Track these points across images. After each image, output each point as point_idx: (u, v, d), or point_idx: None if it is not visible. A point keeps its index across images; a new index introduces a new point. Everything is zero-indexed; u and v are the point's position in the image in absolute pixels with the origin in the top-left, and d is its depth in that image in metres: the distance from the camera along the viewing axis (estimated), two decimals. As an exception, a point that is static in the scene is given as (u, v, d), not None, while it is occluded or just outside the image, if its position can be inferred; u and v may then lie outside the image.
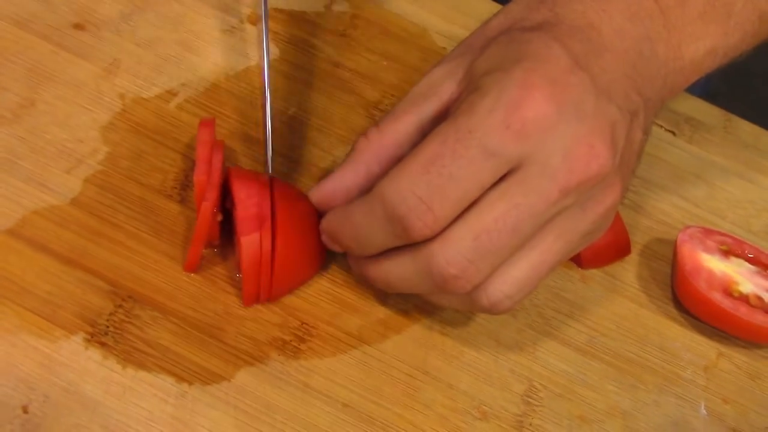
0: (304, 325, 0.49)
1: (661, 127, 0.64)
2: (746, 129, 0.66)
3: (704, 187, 0.61)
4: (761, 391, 0.53)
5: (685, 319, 0.55)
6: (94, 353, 0.45)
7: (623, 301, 0.55)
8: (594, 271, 0.55)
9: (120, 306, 0.47)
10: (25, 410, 0.43)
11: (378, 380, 0.48)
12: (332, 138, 0.56)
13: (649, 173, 0.60)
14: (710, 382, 0.53)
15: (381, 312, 0.50)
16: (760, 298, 0.53)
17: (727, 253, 0.55)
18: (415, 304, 0.51)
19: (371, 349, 0.49)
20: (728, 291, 0.53)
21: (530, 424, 0.48)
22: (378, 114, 0.58)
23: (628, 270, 0.56)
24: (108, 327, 0.46)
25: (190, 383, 0.45)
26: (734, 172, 0.63)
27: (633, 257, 0.57)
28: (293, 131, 0.56)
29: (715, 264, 0.54)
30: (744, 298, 0.53)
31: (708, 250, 0.54)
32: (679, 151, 0.62)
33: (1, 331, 0.45)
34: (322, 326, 0.49)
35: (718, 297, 0.52)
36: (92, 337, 0.46)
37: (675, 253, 0.54)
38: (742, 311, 0.52)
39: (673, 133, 0.64)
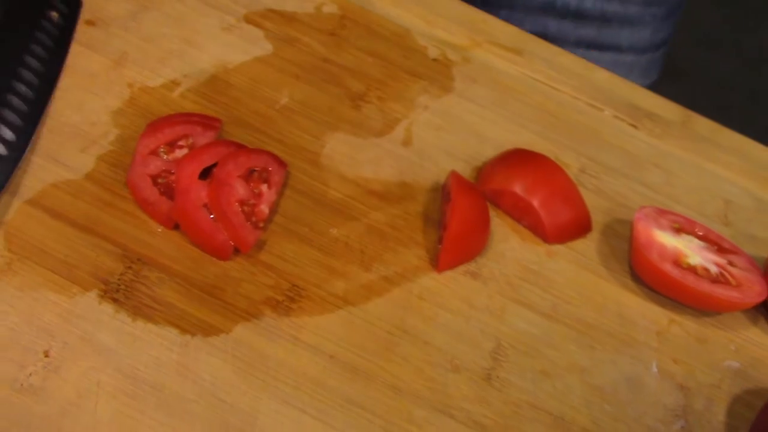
0: (294, 287, 0.56)
1: (624, 121, 0.71)
2: (703, 124, 0.74)
3: (662, 175, 0.68)
4: (708, 353, 0.60)
5: (641, 290, 0.62)
6: (107, 307, 0.52)
7: (585, 273, 0.62)
8: (559, 246, 0.63)
9: (130, 267, 0.54)
10: (46, 354, 0.50)
11: (361, 336, 0.55)
12: (321, 125, 0.64)
13: (610, 161, 0.68)
14: (662, 344, 0.60)
15: (364, 278, 0.57)
16: (706, 270, 0.61)
17: (678, 230, 0.62)
18: (396, 272, 0.58)
19: (355, 309, 0.56)
20: (678, 262, 0.60)
21: (497, 377, 0.55)
22: (363, 105, 0.65)
23: (589, 246, 0.63)
24: (119, 285, 0.53)
25: (193, 335, 0.52)
26: (690, 162, 0.70)
27: (594, 235, 0.64)
28: (285, 118, 0.63)
29: (667, 239, 0.61)
30: (692, 269, 0.60)
31: (661, 227, 0.62)
32: (640, 143, 0.70)
33: (24, 287, 0.52)
34: (311, 288, 0.56)
35: (668, 267, 0.60)
36: (105, 293, 0.52)
37: (632, 230, 0.62)
38: (690, 280, 0.59)
39: (635, 127, 0.72)
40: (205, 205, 0.55)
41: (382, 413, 0.52)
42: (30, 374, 0.49)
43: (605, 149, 0.68)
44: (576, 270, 0.62)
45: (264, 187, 0.58)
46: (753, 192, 0.69)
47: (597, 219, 0.64)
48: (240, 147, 0.58)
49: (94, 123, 0.59)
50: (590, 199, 0.64)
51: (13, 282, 0.51)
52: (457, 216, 0.58)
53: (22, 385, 0.48)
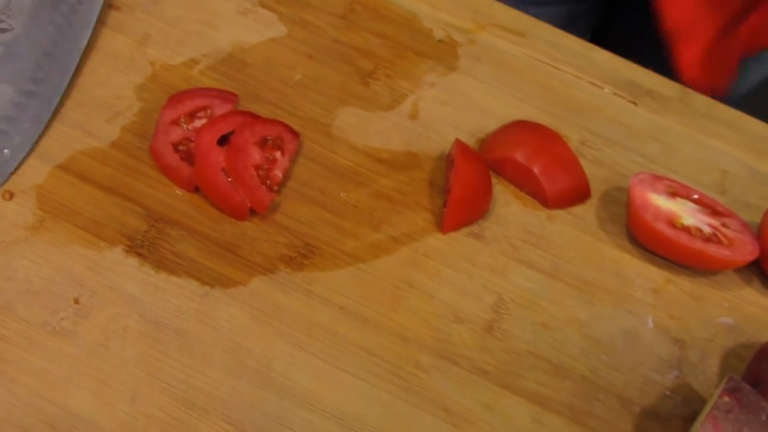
0: (307, 245, 0.60)
1: (623, 98, 0.76)
2: (701, 100, 0.78)
3: (660, 147, 0.72)
4: (702, 310, 0.64)
5: (638, 252, 0.66)
6: (133, 261, 0.57)
7: (584, 236, 0.66)
8: (559, 211, 0.67)
9: (153, 226, 0.59)
10: (76, 301, 0.55)
11: (369, 290, 0.59)
12: (332, 100, 0.69)
13: (610, 134, 0.72)
14: (658, 301, 0.64)
15: (373, 238, 0.62)
16: (700, 230, 0.65)
17: (673, 194, 0.67)
18: (402, 233, 0.62)
19: (364, 265, 0.60)
20: (672, 223, 0.64)
21: (499, 328, 0.60)
22: (372, 82, 0.70)
23: (588, 211, 0.68)
24: (143, 241, 0.58)
25: (212, 286, 0.57)
26: (688, 136, 0.75)
27: (593, 201, 0.68)
28: (298, 93, 0.68)
29: (662, 202, 0.66)
30: (686, 230, 0.64)
31: (656, 191, 0.66)
32: (639, 118, 0.74)
33: (56, 242, 0.57)
34: (322, 246, 0.60)
35: (663, 227, 0.64)
36: (130, 248, 0.58)
37: (628, 193, 0.66)
38: (684, 239, 0.63)
39: (635, 104, 0.76)
40: (223, 169, 0.60)
41: (390, 358, 0.56)
42: (62, 319, 0.53)
43: (605, 123, 0.72)
44: (575, 233, 0.66)
45: (278, 154, 0.63)
46: (748, 163, 0.73)
47: (596, 187, 0.68)
48: (255, 117, 0.63)
49: (118, 97, 0.64)
50: (590, 169, 0.69)
51: (45, 237, 0.56)
52: (460, 179, 0.62)
53: (54, 328, 0.53)
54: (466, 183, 0.62)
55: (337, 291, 0.58)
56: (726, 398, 0.52)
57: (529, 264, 0.63)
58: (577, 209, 0.67)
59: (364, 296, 0.58)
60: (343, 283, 0.58)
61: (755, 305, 0.64)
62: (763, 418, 0.52)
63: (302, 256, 0.59)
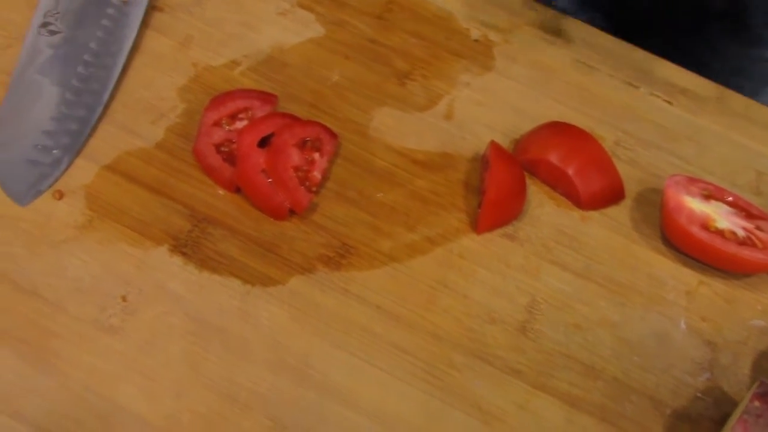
0: (345, 245, 0.63)
1: (659, 97, 0.77)
2: (738, 100, 0.79)
3: (695, 148, 0.74)
4: (735, 312, 0.66)
5: (671, 254, 0.68)
6: (177, 260, 0.60)
7: (617, 237, 0.68)
8: (592, 213, 0.69)
9: (196, 226, 0.61)
10: (124, 299, 0.58)
11: (405, 290, 0.61)
12: (368, 100, 0.71)
13: (645, 134, 0.73)
14: (691, 303, 0.65)
15: (408, 238, 0.64)
16: (734, 233, 0.66)
17: (708, 197, 0.68)
18: (437, 233, 0.64)
19: (400, 265, 0.63)
20: (706, 226, 0.66)
21: (532, 329, 0.62)
22: (408, 82, 0.72)
23: (622, 213, 0.69)
24: (187, 241, 0.61)
25: (253, 285, 0.60)
26: (724, 136, 0.75)
27: (627, 202, 0.70)
28: (336, 94, 0.70)
29: (696, 204, 0.67)
30: (720, 233, 0.66)
31: (691, 194, 0.67)
32: (674, 118, 0.75)
33: (104, 241, 0.60)
34: (359, 247, 0.63)
35: (696, 230, 0.65)
36: (175, 248, 0.60)
37: (663, 196, 0.67)
38: (717, 242, 0.65)
39: (670, 103, 0.77)
40: (263, 171, 0.62)
41: (425, 357, 0.58)
42: (110, 316, 0.56)
43: (640, 124, 0.74)
44: (609, 234, 0.67)
45: (316, 155, 0.65)
46: (784, 164, 0.74)
47: (630, 188, 0.70)
48: (295, 119, 0.66)
49: (162, 98, 0.67)
50: (624, 170, 0.70)
51: (93, 236, 0.59)
52: (495, 181, 0.64)
53: (103, 325, 0.56)
54: (500, 184, 0.64)
55: (374, 290, 0.60)
56: (756, 403, 0.53)
57: (562, 265, 0.65)
58: (611, 210, 0.69)
59: (399, 296, 0.60)
60: (380, 282, 0.61)
61: (787, 307, 0.65)
62: (792, 422, 0.53)
63: (340, 256, 0.61)
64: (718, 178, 0.72)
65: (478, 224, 0.64)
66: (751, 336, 0.63)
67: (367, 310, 0.59)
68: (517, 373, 0.58)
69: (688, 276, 0.66)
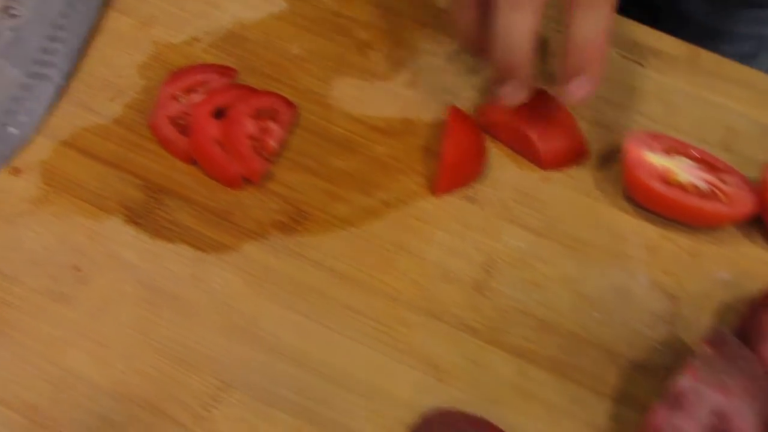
0: (300, 211, 0.63)
1: (630, 59, 0.77)
2: (709, 58, 0.78)
3: (665, 107, 0.73)
4: (699, 266, 0.65)
5: (634, 211, 0.68)
6: (131, 230, 0.61)
7: (579, 196, 0.68)
8: (555, 173, 0.69)
9: (151, 197, 0.63)
10: (77, 269, 0.59)
11: (361, 253, 0.62)
12: (329, 71, 0.71)
13: (612, 95, 0.73)
14: (653, 258, 0.65)
15: (365, 202, 0.65)
16: (696, 187, 0.66)
17: (670, 152, 0.68)
18: (395, 197, 0.65)
19: (355, 229, 0.63)
20: (667, 180, 0.66)
21: (488, 287, 0.62)
22: (370, 52, 0.72)
23: (586, 172, 0.69)
24: (142, 211, 0.62)
25: (206, 252, 0.61)
26: (695, 95, 0.75)
27: (592, 162, 0.70)
28: (296, 66, 0.71)
29: (657, 159, 0.67)
30: (681, 186, 0.65)
31: (652, 149, 0.67)
32: (645, 79, 0.75)
33: (58, 214, 0.61)
34: (315, 212, 0.63)
35: (656, 184, 0.65)
36: (129, 218, 0.61)
37: (623, 152, 0.67)
38: (678, 195, 0.64)
39: (641, 65, 0.77)
40: (218, 141, 0.63)
41: (377, 317, 0.59)
42: (63, 285, 0.58)
43: (610, 85, 0.73)
44: (571, 193, 0.67)
45: (273, 125, 0.66)
46: (756, 119, 0.74)
47: (596, 147, 0.69)
48: (251, 90, 0.67)
49: (122, 76, 0.68)
50: (590, 130, 0.70)
51: (48, 210, 0.61)
52: (452, 142, 0.64)
53: (57, 294, 0.57)
54: (457, 145, 0.65)
55: (328, 254, 0.61)
56: (707, 349, 0.53)
57: (522, 225, 0.65)
58: (575, 170, 0.68)
59: (354, 259, 0.61)
60: (334, 246, 0.61)
61: (756, 260, 0.65)
62: (746, 368, 0.53)
63: (294, 222, 0.62)
64: (687, 135, 0.71)
65: (436, 186, 0.64)
66: (715, 289, 0.63)
67: (320, 274, 0.60)
68: (471, 330, 0.59)
69: (651, 232, 0.66)
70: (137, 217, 0.61)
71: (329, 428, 0.54)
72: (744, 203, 0.65)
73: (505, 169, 0.68)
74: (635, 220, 0.66)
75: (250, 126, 0.64)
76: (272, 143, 0.65)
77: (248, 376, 0.55)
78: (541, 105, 0.69)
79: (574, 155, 0.69)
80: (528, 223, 0.65)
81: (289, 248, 0.61)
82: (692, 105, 0.73)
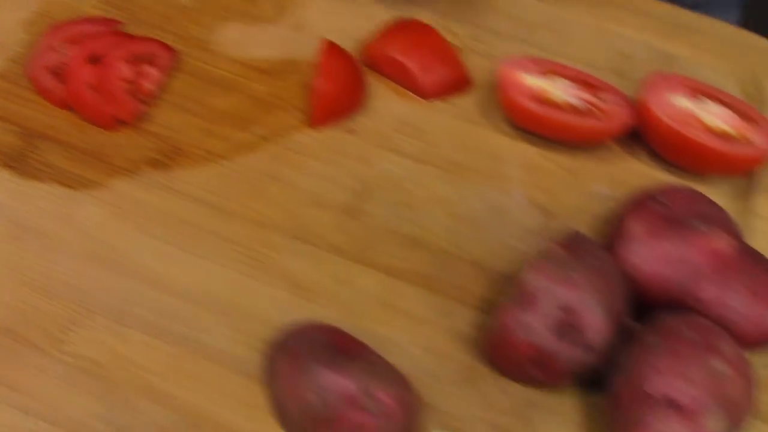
0: (174, 148, 0.65)
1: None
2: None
3: (556, 37, 0.73)
4: (577, 183, 0.66)
5: (516, 134, 0.68)
6: (4, 173, 0.63)
7: (461, 123, 0.69)
8: (439, 103, 0.69)
9: (27, 142, 0.64)
10: (-53, 210, 0.60)
11: (231, 184, 0.63)
12: (215, 18, 0.73)
13: (504, 28, 0.74)
14: (531, 177, 0.66)
15: (242, 138, 0.66)
16: (571, 105, 0.66)
17: (548, 73, 0.68)
18: (272, 131, 0.66)
19: (229, 163, 0.64)
20: (541, 99, 0.66)
21: (359, 210, 0.63)
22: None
23: (469, 101, 0.70)
24: (16, 155, 0.63)
25: (76, 189, 0.62)
26: (587, 23, 0.75)
27: (478, 91, 0.70)
28: (183, 16, 0.73)
29: (532, 80, 0.67)
30: (555, 105, 0.66)
31: (528, 71, 0.68)
32: (536, 11, 0.75)
33: (-66, 161, 0.63)
34: (189, 149, 0.65)
35: (529, 104, 0.66)
36: (3, 162, 0.63)
37: (498, 74, 0.68)
38: (550, 113, 0.65)
39: (535, -2, 0.77)
40: (92, 86, 0.65)
41: (243, 242, 0.60)
42: (-68, 225, 0.59)
43: (500, 19, 0.74)
44: (452, 121, 0.68)
45: (150, 69, 0.67)
46: (648, 43, 0.74)
47: (483, 78, 0.70)
48: (128, 36, 0.68)
49: (6, 31, 0.70)
50: (479, 62, 0.71)
51: (-77, 156, 0.62)
52: (324, 75, 0.65)
53: (-76, 234, 0.59)
54: (331, 79, 0.66)
55: (199, 186, 0.62)
56: (557, 249, 0.54)
57: (399, 152, 0.66)
58: (458, 99, 0.69)
59: (225, 190, 0.62)
60: (206, 179, 0.63)
61: (635, 174, 0.65)
62: (596, 265, 0.53)
63: (168, 159, 0.63)
64: (578, 62, 0.72)
65: (312, 118, 0.65)
66: (592, 202, 0.63)
67: (189, 205, 0.61)
68: (339, 251, 0.59)
69: (531, 153, 0.66)
70: (11, 161, 0.62)
71: (187, 346, 0.55)
72: (619, 118, 0.65)
73: (387, 101, 0.69)
74: (516, 143, 0.67)
75: (125, 70, 0.66)
76: (149, 86, 0.66)
77: (108, 300, 0.56)
78: (421, 38, 0.70)
79: (456, 85, 0.69)
80: (406, 150, 0.66)
81: (160, 183, 0.62)
82: (585, 34, 0.73)
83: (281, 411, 0.50)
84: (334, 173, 0.63)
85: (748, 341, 0.54)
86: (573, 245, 0.53)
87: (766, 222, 0.63)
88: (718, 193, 0.64)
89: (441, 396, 0.54)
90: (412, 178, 0.64)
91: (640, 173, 0.64)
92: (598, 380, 0.52)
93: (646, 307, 0.54)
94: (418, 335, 0.56)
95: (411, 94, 0.69)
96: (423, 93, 0.68)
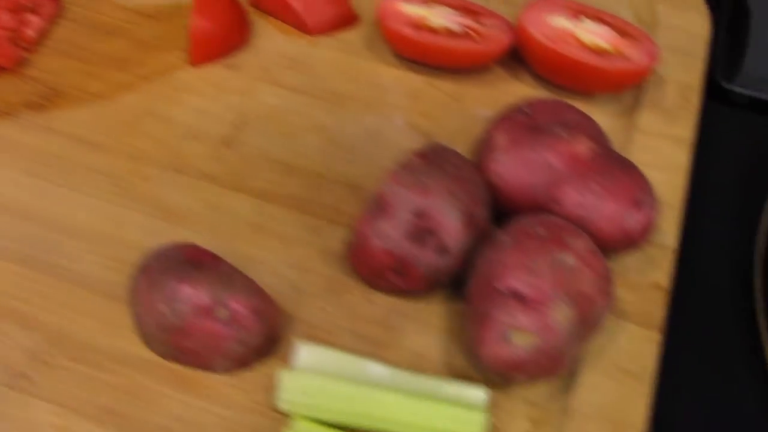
0: (53, 90, 0.66)
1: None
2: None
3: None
4: (461, 107, 0.66)
5: (402, 64, 0.69)
6: None
7: (346, 57, 0.69)
8: (324, 38, 0.70)
9: None
10: None
11: (108, 121, 0.64)
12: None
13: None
14: (413, 103, 0.66)
15: (122, 78, 0.67)
16: (449, 30, 0.67)
17: (428, 2, 0.69)
18: (153, 71, 0.68)
19: (108, 102, 0.65)
20: (419, 26, 0.67)
21: (235, 140, 0.63)
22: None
23: (357, 35, 0.71)
24: None
25: (-51, 133, 0.63)
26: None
27: (366, 26, 0.71)
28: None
29: (410, 8, 0.68)
30: (434, 30, 0.67)
31: (408, 0, 0.68)
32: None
33: None
34: (68, 90, 0.66)
35: (407, 30, 0.66)
36: None
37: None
38: (426, 38, 0.66)
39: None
40: (-29, 34, 0.66)
41: (116, 174, 0.61)
42: None
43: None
44: (337, 54, 0.69)
45: (31, 17, 0.68)
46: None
47: (370, 13, 0.71)
48: (11, -14, 0.69)
49: None
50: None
51: None
52: (199, 10, 0.66)
53: None
54: (206, 14, 0.67)
55: (75, 125, 0.63)
56: (413, 157, 0.54)
57: (281, 85, 0.67)
58: (345, 34, 0.70)
59: (101, 127, 0.63)
60: (83, 118, 0.63)
61: (518, 96, 0.66)
62: (452, 171, 0.54)
63: (46, 101, 0.64)
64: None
65: (190, 56, 0.66)
66: (474, 124, 0.64)
67: (63, 142, 0.62)
68: (212, 179, 0.60)
69: (415, 81, 0.67)
70: None
71: (54, 273, 0.56)
72: (498, 41, 0.66)
73: (271, 39, 0.69)
74: (401, 72, 0.68)
75: (5, 18, 0.67)
76: (30, 33, 0.67)
77: (-26, 235, 0.57)
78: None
79: (342, 21, 0.70)
80: (287, 83, 0.66)
81: (37, 124, 0.63)
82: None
83: (141, 327, 0.51)
84: (212, 107, 0.64)
85: (611, 243, 0.54)
86: (431, 154, 0.54)
87: (647, 135, 0.64)
88: (604, 112, 0.65)
89: (306, 308, 0.54)
90: (292, 109, 0.64)
91: (524, 95, 0.65)
92: (461, 286, 0.52)
93: (512, 216, 0.54)
94: (288, 255, 0.56)
95: (296, 30, 0.69)
96: (308, 30, 0.69)
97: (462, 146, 0.61)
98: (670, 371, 0.55)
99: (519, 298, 0.48)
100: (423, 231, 0.51)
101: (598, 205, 0.53)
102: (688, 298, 0.59)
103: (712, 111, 0.68)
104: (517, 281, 0.48)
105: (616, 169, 0.54)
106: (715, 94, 0.70)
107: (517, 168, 0.55)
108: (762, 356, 0.57)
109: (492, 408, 0.50)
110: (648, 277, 0.56)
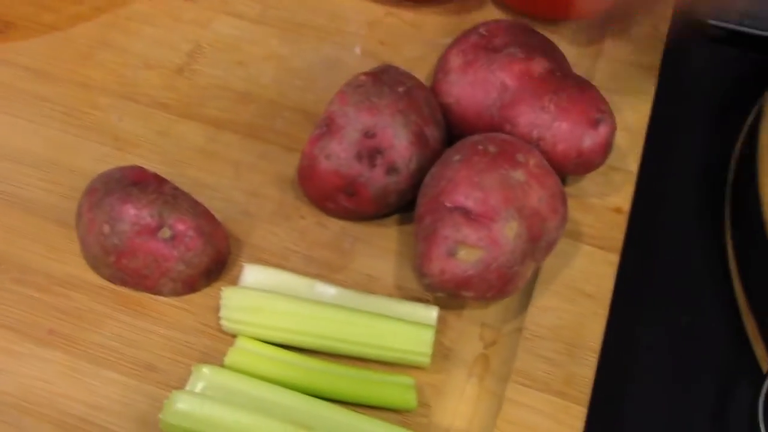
0: (5, 22, 0.65)
1: None
2: None
3: None
4: (421, 35, 0.66)
5: (363, -7, 0.68)
6: None
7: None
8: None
9: None
10: None
11: (61, 51, 0.64)
12: None
13: None
14: (372, 32, 0.66)
15: (75, 9, 0.67)
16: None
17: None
18: (108, 2, 0.67)
19: (61, 33, 0.65)
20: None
21: (190, 69, 0.63)
22: None
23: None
24: None
25: None
26: None
27: (322, -44, 0.70)
28: None
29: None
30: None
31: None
32: None
33: None
34: (19, 22, 0.65)
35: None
36: None
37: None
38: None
39: None
40: None
41: (67, 103, 0.61)
42: None
43: None
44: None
45: (-16, -51, 0.68)
46: None
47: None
48: None
49: None
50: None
51: None
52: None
53: None
54: (161, -57, 0.66)
55: (27, 56, 0.63)
56: (362, 77, 0.54)
57: (238, 15, 0.66)
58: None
59: (53, 57, 0.63)
60: (35, 49, 0.63)
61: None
62: (401, 90, 0.54)
63: (-3, 32, 0.64)
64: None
65: (146, -13, 0.66)
66: (433, 52, 0.64)
67: (14, 71, 0.62)
68: (164, 107, 0.60)
69: (375, 10, 0.67)
70: None
71: (2, 200, 0.56)
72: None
73: (229, -30, 0.69)
74: (362, 3, 0.68)
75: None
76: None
77: None
78: None
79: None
80: (245, 14, 0.66)
81: (-12, 57, 0.63)
82: None
83: (86, 250, 0.51)
84: (168, 37, 0.64)
85: (567, 163, 0.54)
86: (381, 75, 0.54)
87: (612, 62, 0.64)
88: (570, 40, 0.65)
89: (257, 233, 0.54)
90: (248, 38, 0.64)
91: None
92: (413, 208, 0.52)
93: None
94: (240, 181, 0.57)
95: (257, -36, 0.69)
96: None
97: (421, 74, 0.61)
98: (634, 296, 0.55)
99: (466, 213, 0.48)
100: (372, 150, 0.51)
101: (553, 125, 0.53)
102: (656, 222, 0.59)
103: (690, 44, 0.68)
104: (465, 197, 0.48)
105: (574, 88, 0.54)
106: (694, 27, 0.70)
107: (470, 88, 0.55)
108: (729, 282, 0.57)
109: (445, 329, 0.50)
110: (607, 201, 0.56)
